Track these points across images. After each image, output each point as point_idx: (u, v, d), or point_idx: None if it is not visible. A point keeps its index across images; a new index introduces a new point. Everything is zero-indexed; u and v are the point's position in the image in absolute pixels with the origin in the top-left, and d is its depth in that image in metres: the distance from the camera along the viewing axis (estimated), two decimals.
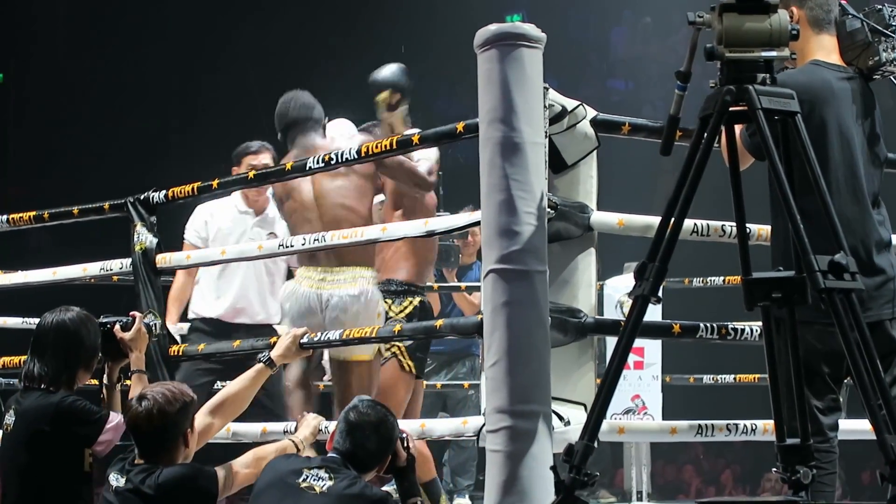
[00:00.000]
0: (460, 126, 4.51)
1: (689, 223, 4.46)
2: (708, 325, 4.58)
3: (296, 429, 4.66)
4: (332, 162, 4.98)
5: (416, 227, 4.88)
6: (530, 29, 4.14)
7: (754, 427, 4.66)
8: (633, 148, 5.76)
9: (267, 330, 6.34)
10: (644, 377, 8.72)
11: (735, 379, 8.60)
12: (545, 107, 4.23)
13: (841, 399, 4.11)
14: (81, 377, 4.49)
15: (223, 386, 5.30)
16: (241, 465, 4.23)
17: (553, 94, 4.36)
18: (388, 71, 5.83)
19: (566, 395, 4.35)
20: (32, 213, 5.97)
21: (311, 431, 4.59)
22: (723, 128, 3.51)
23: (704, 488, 12.61)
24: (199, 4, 14.36)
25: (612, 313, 8.35)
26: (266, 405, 5.73)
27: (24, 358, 5.70)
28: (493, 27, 4.14)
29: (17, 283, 6.27)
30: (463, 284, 8.10)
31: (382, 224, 5.39)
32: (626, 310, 3.58)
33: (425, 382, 7.93)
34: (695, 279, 8.44)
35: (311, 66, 14.32)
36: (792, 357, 3.61)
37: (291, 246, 5.13)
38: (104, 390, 4.64)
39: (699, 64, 3.50)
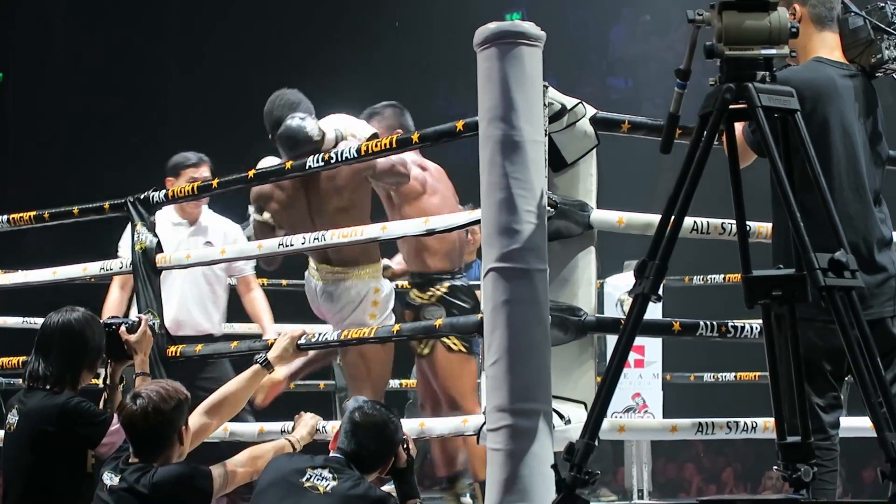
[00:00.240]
0: (460, 124, 4.51)
1: (689, 221, 4.47)
2: (708, 322, 4.58)
3: (293, 428, 4.66)
4: (332, 161, 4.98)
5: (417, 225, 4.87)
6: (530, 27, 4.14)
7: (755, 425, 4.65)
8: (632, 146, 5.75)
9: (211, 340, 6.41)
10: (645, 375, 8.73)
11: (736, 377, 8.61)
12: (545, 105, 4.23)
13: (842, 396, 4.11)
14: (85, 378, 4.50)
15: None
16: (236, 464, 4.22)
17: (553, 93, 4.36)
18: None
19: (567, 394, 4.35)
20: (33, 213, 5.97)
21: (308, 431, 4.59)
22: (723, 126, 3.50)
23: (705, 486, 12.62)
24: (199, 3, 14.37)
25: (612, 311, 8.35)
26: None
27: (23, 358, 5.73)
28: (492, 25, 4.14)
29: (18, 283, 6.27)
30: None
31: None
32: (627, 308, 3.57)
33: None
34: (695, 277, 8.44)
35: (310, 65, 14.33)
36: (792, 354, 3.60)
37: (291, 245, 5.12)
38: (106, 391, 4.64)
39: (699, 62, 3.50)
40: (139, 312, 5.36)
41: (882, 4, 4.11)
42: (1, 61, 13.17)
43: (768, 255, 4.05)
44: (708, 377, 8.82)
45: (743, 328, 4.60)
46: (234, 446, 4.78)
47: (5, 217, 6.05)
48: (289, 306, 7.83)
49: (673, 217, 3.39)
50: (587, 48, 16.04)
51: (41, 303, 7.06)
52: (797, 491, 3.51)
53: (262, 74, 14.72)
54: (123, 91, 13.73)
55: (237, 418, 4.95)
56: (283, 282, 8.31)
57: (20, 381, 7.68)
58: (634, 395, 8.70)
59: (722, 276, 8.20)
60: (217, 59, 14.52)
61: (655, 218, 3.56)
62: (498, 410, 4.02)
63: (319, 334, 5.05)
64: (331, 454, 4.07)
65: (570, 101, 4.48)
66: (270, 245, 5.18)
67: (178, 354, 5.37)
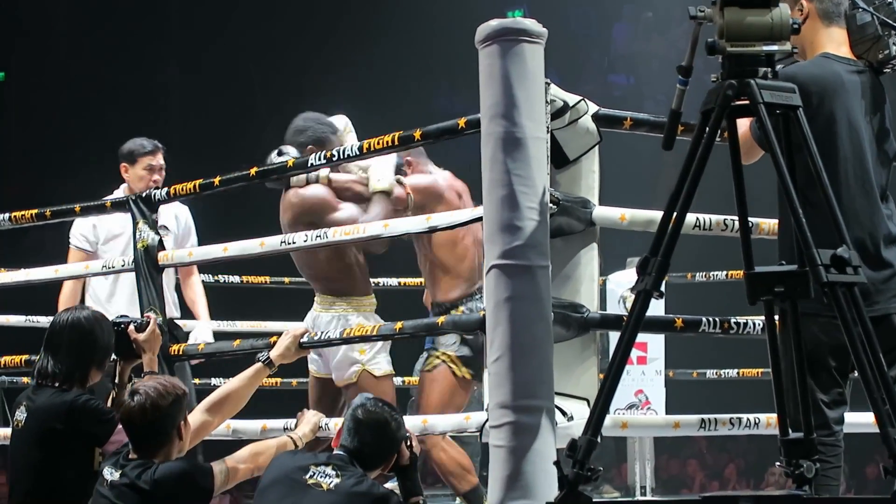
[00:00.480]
0: (462, 122, 4.51)
1: (691, 217, 4.46)
2: (711, 319, 4.57)
3: (296, 425, 4.66)
4: (335, 159, 4.98)
5: (418, 223, 4.87)
6: (531, 24, 4.13)
7: (757, 421, 4.65)
8: (635, 143, 5.76)
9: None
10: (647, 372, 8.74)
11: (738, 373, 8.61)
12: (547, 102, 4.22)
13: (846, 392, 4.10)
14: (94, 376, 4.50)
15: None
16: (237, 461, 4.23)
17: (554, 89, 4.36)
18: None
19: (569, 391, 4.34)
20: (34, 211, 5.97)
21: (310, 428, 4.60)
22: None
23: (708, 483, 12.62)
24: (200, 1, 14.37)
25: (615, 308, 8.36)
26: None
27: (26, 357, 5.74)
28: (494, 23, 4.14)
29: (20, 281, 6.27)
30: None
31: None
32: (629, 305, 3.57)
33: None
34: (698, 274, 8.45)
35: (311, 63, 14.33)
36: (795, 350, 3.61)
37: (294, 243, 5.12)
38: (115, 390, 4.65)
39: (701, 58, 3.50)
40: (141, 310, 5.36)
41: (890, 0, 4.11)
42: (1, 60, 13.16)
43: (771, 252, 4.04)
44: (711, 374, 8.82)
45: (745, 324, 4.59)
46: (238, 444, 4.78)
47: (7, 215, 6.05)
48: (291, 304, 7.84)
49: (675, 213, 3.39)
50: (589, 45, 16.03)
51: (43, 301, 7.08)
52: (800, 487, 3.52)
53: (263, 72, 14.75)
54: (124, 89, 13.73)
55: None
56: (286, 280, 8.32)
57: (23, 379, 7.73)
58: (637, 392, 8.72)
59: (724, 272, 8.21)
60: (217, 56, 14.51)
61: (658, 214, 3.56)
62: (500, 407, 4.02)
63: (321, 332, 5.05)
64: (334, 451, 4.08)
65: (572, 98, 4.48)
66: (272, 243, 5.18)
67: (180, 352, 5.37)
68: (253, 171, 5.25)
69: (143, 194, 5.64)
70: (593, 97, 4.64)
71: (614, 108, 4.71)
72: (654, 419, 7.23)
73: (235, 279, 8.16)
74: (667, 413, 8.47)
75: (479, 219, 4.25)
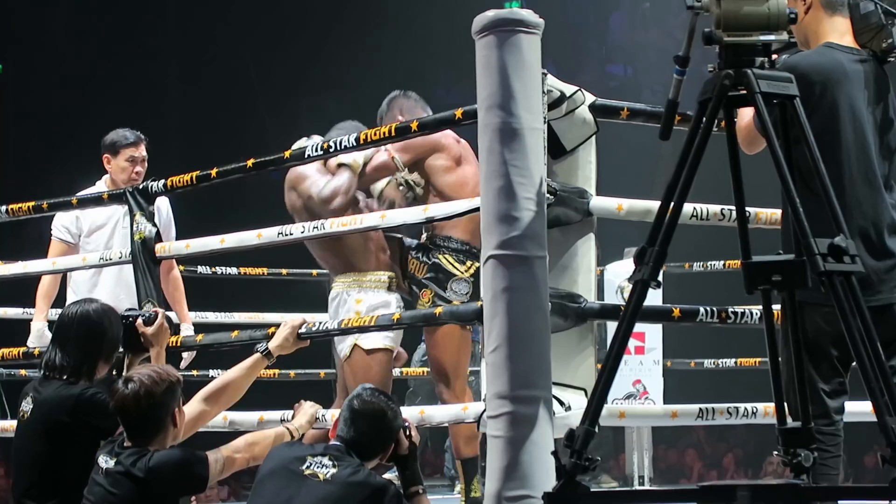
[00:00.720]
0: (459, 112, 4.51)
1: (688, 207, 4.47)
2: (708, 309, 4.58)
3: (293, 416, 4.67)
4: (331, 150, 4.98)
5: (416, 213, 4.87)
6: (528, 15, 4.13)
7: (755, 410, 4.66)
8: (632, 133, 5.75)
9: None
10: (645, 362, 8.76)
11: (736, 363, 8.62)
12: (544, 92, 4.22)
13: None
14: (102, 369, 4.51)
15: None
16: (232, 450, 4.23)
17: (551, 80, 4.36)
18: None
19: (567, 381, 4.35)
20: (31, 204, 5.97)
21: (307, 419, 4.60)
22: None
23: (706, 472, 12.63)
24: None
25: (612, 299, 8.37)
26: None
27: (24, 349, 5.75)
28: (490, 13, 4.13)
29: (17, 274, 6.27)
30: None
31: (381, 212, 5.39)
32: (627, 295, 3.57)
33: (426, 370, 7.96)
34: (695, 263, 8.45)
35: (308, 56, 14.32)
36: (792, 340, 3.61)
37: (291, 234, 5.12)
38: None
39: (698, 48, 3.50)
40: (139, 302, 5.37)
41: None
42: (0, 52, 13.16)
43: (768, 241, 4.04)
44: (708, 363, 8.83)
45: (743, 314, 4.60)
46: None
47: (4, 207, 6.06)
48: (289, 295, 7.86)
49: (672, 203, 3.39)
50: (586, 36, 16.03)
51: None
52: (798, 476, 3.52)
53: (261, 65, 14.73)
54: (121, 82, 13.72)
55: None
56: (284, 271, 8.33)
57: (21, 371, 7.74)
58: (635, 382, 8.73)
59: (722, 262, 8.22)
60: (216, 51, 14.51)
61: (655, 204, 3.55)
62: (498, 397, 4.02)
63: (319, 323, 5.05)
64: (331, 442, 4.08)
65: (568, 89, 4.48)
66: (269, 234, 5.18)
67: (177, 344, 5.37)
68: (250, 162, 5.25)
69: (140, 186, 5.64)
70: (590, 88, 4.65)
71: (611, 98, 4.72)
72: (651, 409, 7.24)
73: (233, 271, 8.16)
74: (664, 403, 8.49)
75: (477, 209, 4.25)
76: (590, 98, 4.55)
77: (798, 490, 3.32)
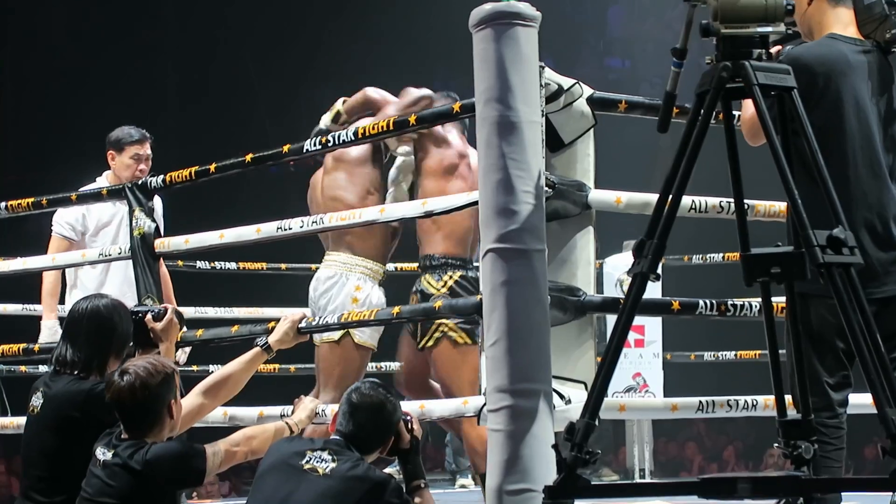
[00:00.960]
0: (457, 106, 4.51)
1: (687, 200, 4.46)
2: (707, 301, 4.58)
3: (293, 412, 4.66)
4: (330, 144, 4.98)
5: (415, 207, 4.87)
6: (525, 8, 4.12)
7: (755, 403, 4.66)
8: (630, 126, 5.75)
9: None
10: (645, 355, 8.75)
11: (736, 355, 8.62)
12: (541, 85, 4.22)
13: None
14: (112, 364, 4.50)
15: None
16: (231, 444, 4.22)
17: (549, 73, 4.36)
18: None
19: (566, 374, 4.35)
20: (31, 200, 5.97)
21: (307, 414, 4.59)
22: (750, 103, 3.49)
23: (707, 465, 12.64)
24: None
25: (612, 292, 8.37)
26: None
27: (24, 345, 5.74)
28: (487, 6, 4.13)
29: (17, 270, 6.26)
30: None
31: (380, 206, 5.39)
32: (626, 288, 3.58)
33: None
34: (694, 256, 8.45)
35: (307, 50, 14.31)
36: (791, 332, 3.61)
37: (290, 229, 5.12)
38: None
39: (695, 41, 3.50)
40: (138, 298, 5.37)
41: None
42: None
43: (766, 233, 4.04)
44: (708, 356, 8.83)
45: (742, 306, 4.60)
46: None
47: (3, 204, 6.05)
48: (288, 290, 7.85)
49: (671, 196, 3.39)
50: (584, 29, 16.02)
51: (40, 290, 7.07)
52: (798, 468, 3.52)
53: (260, 60, 14.72)
54: (120, 78, 13.71)
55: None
56: (283, 266, 8.33)
57: (21, 368, 7.74)
58: (635, 375, 8.73)
59: (721, 254, 8.21)
60: (214, 45, 14.50)
61: (654, 197, 3.55)
62: (498, 391, 4.02)
63: (319, 318, 5.05)
64: (330, 436, 4.07)
65: (566, 82, 4.47)
66: (269, 229, 5.18)
67: (178, 339, 5.36)
68: (248, 157, 5.25)
69: (139, 182, 5.64)
70: (588, 81, 4.64)
71: (609, 91, 4.72)
72: (651, 402, 7.24)
73: (232, 266, 8.16)
74: (665, 396, 8.48)
75: (475, 203, 4.25)
76: (588, 91, 4.54)
77: (798, 482, 3.33)
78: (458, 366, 5.61)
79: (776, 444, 3.61)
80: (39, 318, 6.73)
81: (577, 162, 4.53)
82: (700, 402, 4.61)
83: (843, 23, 4.10)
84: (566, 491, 3.27)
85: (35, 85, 13.78)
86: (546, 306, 4.10)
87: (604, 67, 15.95)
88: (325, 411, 4.68)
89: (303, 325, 4.87)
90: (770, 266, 3.46)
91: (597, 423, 3.32)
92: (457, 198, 4.74)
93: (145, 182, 5.59)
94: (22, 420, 4.75)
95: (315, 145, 5.01)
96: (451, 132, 5.68)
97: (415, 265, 6.82)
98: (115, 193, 5.76)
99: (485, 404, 4.15)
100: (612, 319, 6.22)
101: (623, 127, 6.42)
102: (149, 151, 6.56)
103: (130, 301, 5.94)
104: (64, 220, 6.54)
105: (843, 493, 3.79)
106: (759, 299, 3.74)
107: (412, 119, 4.74)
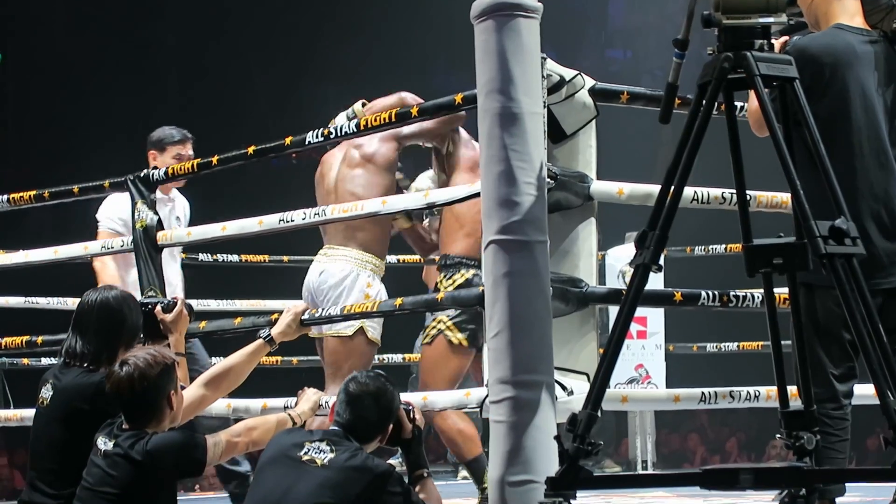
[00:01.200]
0: (458, 97, 4.51)
1: (689, 191, 4.45)
2: (710, 292, 4.57)
3: (296, 404, 4.67)
4: (332, 136, 4.98)
5: (416, 199, 4.87)
6: None
7: (757, 394, 4.65)
8: (632, 117, 5.75)
9: None
10: (647, 346, 8.76)
11: (738, 346, 8.62)
12: (543, 77, 4.22)
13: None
14: (121, 356, 4.50)
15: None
16: (231, 435, 4.23)
17: (551, 64, 4.35)
18: None
19: (569, 365, 4.35)
20: (33, 193, 5.97)
21: (310, 406, 4.59)
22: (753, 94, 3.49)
23: (709, 456, 12.65)
24: None
25: (614, 283, 8.37)
26: None
27: (27, 338, 5.74)
28: None
29: (19, 263, 6.27)
30: None
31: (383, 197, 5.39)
32: (628, 279, 3.57)
33: None
34: (696, 247, 8.45)
35: (309, 43, 14.31)
36: (793, 322, 3.61)
37: (292, 221, 5.12)
38: None
39: (697, 32, 3.50)
40: (141, 291, 5.37)
41: None
42: (0, 42, 13.16)
43: (769, 224, 4.04)
44: (711, 347, 8.83)
45: (745, 297, 4.59)
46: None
47: (5, 197, 6.05)
48: (291, 282, 7.85)
49: (673, 187, 3.39)
50: (586, 20, 16.01)
51: (43, 282, 7.09)
52: (800, 459, 3.52)
53: (262, 53, 14.72)
54: (123, 70, 13.72)
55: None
56: (285, 258, 8.33)
57: (23, 360, 7.74)
58: (637, 366, 8.74)
59: (723, 245, 8.21)
60: (216, 39, 14.50)
61: (656, 188, 3.55)
62: (500, 382, 4.01)
63: (322, 309, 5.05)
64: (329, 427, 4.07)
65: (568, 73, 4.47)
66: (271, 221, 5.18)
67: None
68: (251, 149, 5.25)
69: (142, 174, 5.63)
70: (590, 72, 4.64)
71: (611, 82, 4.71)
72: (654, 393, 7.23)
73: (234, 258, 8.16)
74: (667, 387, 8.49)
75: (478, 194, 4.24)
76: (589, 82, 4.54)
77: (801, 473, 3.33)
78: (441, 363, 5.62)
79: (779, 435, 3.61)
80: (42, 311, 6.73)
81: (579, 153, 4.53)
82: (702, 393, 4.61)
83: (849, 13, 4.09)
84: (568, 482, 3.27)
85: (37, 78, 13.78)
86: (548, 297, 4.10)
87: (605, 59, 15.96)
88: (328, 403, 4.68)
89: (306, 316, 4.88)
90: (772, 257, 3.46)
91: (599, 414, 3.32)
92: (459, 189, 4.74)
93: (147, 174, 5.59)
94: (25, 413, 4.76)
95: (317, 137, 5.01)
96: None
97: (417, 257, 6.84)
98: (117, 185, 5.75)
99: (487, 395, 4.15)
100: (614, 311, 6.23)
101: (625, 118, 6.42)
102: (191, 152, 6.53)
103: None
104: (116, 215, 6.49)
105: (845, 484, 3.79)
106: (762, 290, 3.74)
107: (414, 111, 4.74)
